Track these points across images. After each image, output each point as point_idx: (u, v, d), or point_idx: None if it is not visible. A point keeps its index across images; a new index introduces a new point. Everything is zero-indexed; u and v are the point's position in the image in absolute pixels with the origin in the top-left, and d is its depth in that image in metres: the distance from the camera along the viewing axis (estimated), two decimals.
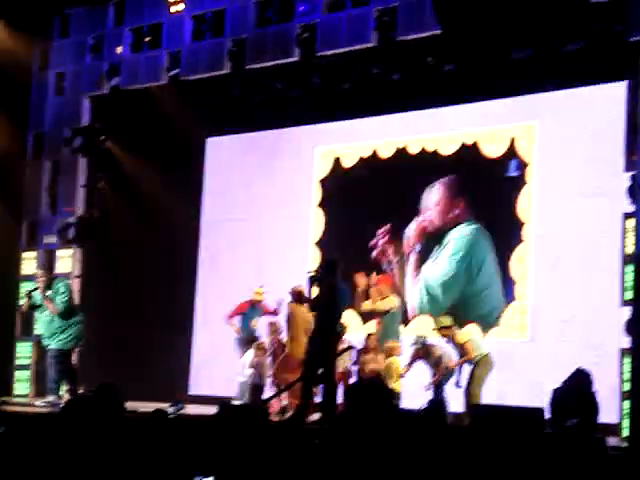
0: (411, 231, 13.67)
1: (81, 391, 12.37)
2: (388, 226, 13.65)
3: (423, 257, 13.58)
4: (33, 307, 12.90)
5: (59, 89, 16.42)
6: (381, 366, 11.69)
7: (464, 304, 13.07)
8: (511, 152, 13.12)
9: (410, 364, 11.73)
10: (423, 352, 11.65)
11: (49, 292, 12.56)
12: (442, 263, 13.44)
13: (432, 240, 13.60)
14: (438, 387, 11.52)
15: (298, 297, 12.11)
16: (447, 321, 11.79)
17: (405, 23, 12.85)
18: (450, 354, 11.60)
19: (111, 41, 15.78)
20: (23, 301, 13.15)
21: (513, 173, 13.10)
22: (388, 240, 13.13)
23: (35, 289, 12.76)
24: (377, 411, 5.80)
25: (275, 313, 13.14)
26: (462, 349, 11.41)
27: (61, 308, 12.48)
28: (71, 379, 12.68)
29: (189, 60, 14.82)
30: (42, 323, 12.82)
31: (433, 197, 13.66)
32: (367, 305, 12.30)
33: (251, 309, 13.24)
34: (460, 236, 13.39)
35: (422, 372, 11.75)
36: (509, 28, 12.01)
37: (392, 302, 12.28)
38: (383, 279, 12.48)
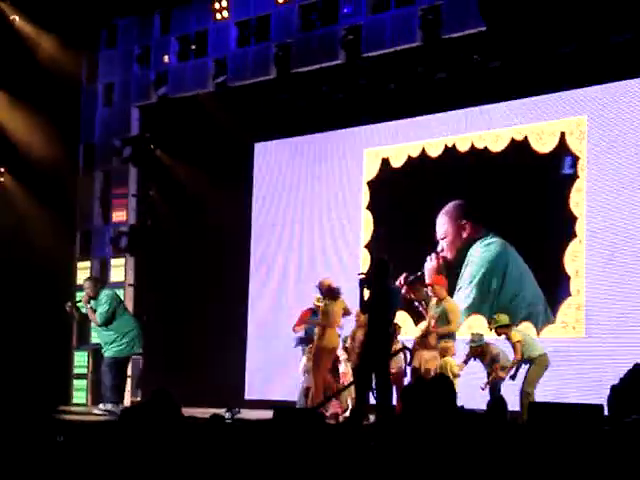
0: (428, 272, 13.62)
1: (139, 398, 12.43)
2: (403, 275, 13.43)
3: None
4: (80, 318, 12.91)
5: (108, 100, 16.60)
6: (436, 365, 11.64)
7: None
8: (561, 147, 12.99)
9: (466, 362, 11.66)
10: (480, 351, 11.58)
11: (92, 303, 12.43)
12: (466, 291, 13.40)
13: (451, 271, 13.52)
14: (494, 386, 11.44)
15: (328, 291, 12.27)
16: (505, 319, 11.69)
17: (450, 21, 12.80)
18: (506, 353, 11.51)
19: (158, 50, 15.93)
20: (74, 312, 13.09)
21: (568, 171, 12.97)
22: (407, 290, 13.07)
23: (78, 301, 12.76)
24: (440, 410, 5.78)
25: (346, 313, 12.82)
26: (514, 348, 11.33)
27: (100, 319, 12.29)
28: (121, 388, 12.71)
29: (235, 66, 14.90)
30: (97, 332, 12.88)
31: (440, 229, 13.70)
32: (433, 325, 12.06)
33: (313, 315, 13.13)
34: (474, 257, 13.40)
35: (475, 371, 11.67)
36: (554, 22, 11.91)
37: (458, 309, 12.12)
38: (437, 280, 12.30)
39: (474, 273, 13.49)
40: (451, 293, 12.92)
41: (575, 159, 12.90)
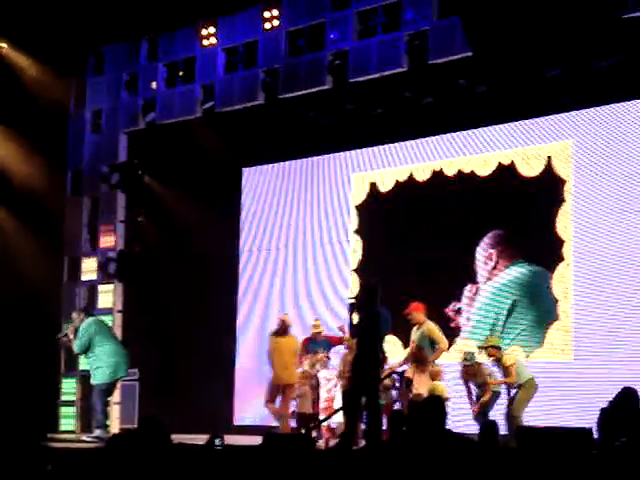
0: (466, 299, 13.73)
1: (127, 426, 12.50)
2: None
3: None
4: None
5: (96, 126, 16.61)
6: (426, 389, 11.62)
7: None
8: (548, 171, 13.06)
9: (465, 384, 11.61)
10: (472, 370, 11.56)
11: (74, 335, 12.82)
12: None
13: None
14: (485, 410, 11.42)
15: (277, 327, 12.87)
16: (497, 341, 11.70)
17: (436, 46, 12.88)
18: (496, 375, 11.53)
19: (145, 77, 15.96)
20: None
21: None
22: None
23: (65, 334, 13.04)
24: (431, 433, 5.77)
25: (342, 341, 12.91)
26: (507, 372, 11.34)
27: (76, 348, 12.73)
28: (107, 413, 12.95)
29: (223, 92, 14.95)
30: (84, 359, 13.03)
31: (478, 261, 13.73)
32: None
33: (312, 343, 13.09)
34: (490, 291, 13.48)
35: (465, 394, 11.67)
36: (540, 47, 11.99)
37: (428, 332, 12.11)
38: (415, 307, 12.25)
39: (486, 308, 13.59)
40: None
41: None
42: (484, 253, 13.62)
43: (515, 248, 13.31)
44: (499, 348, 11.55)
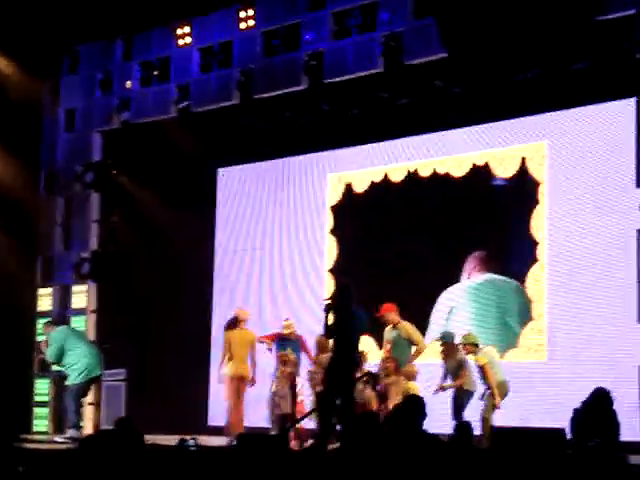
0: None
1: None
2: None
3: None
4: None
5: (70, 125, 16.53)
6: (404, 388, 11.62)
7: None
8: (522, 172, 13.11)
9: (442, 388, 11.60)
10: (448, 350, 11.56)
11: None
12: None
13: None
14: (459, 410, 11.41)
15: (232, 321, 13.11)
16: (475, 338, 11.69)
17: (411, 47, 12.91)
18: (471, 366, 11.49)
19: (120, 76, 15.90)
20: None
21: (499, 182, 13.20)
22: None
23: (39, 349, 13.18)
24: (407, 434, 5.78)
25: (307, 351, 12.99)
26: (481, 371, 11.36)
27: (49, 358, 12.88)
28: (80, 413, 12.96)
29: (198, 92, 14.91)
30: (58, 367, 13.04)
31: None
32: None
33: (282, 340, 13.08)
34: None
35: (440, 395, 11.68)
36: (515, 49, 12.04)
37: (403, 332, 12.13)
38: (387, 307, 12.26)
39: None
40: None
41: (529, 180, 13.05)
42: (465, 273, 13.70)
43: (489, 262, 13.35)
44: (476, 345, 11.54)
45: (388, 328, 12.08)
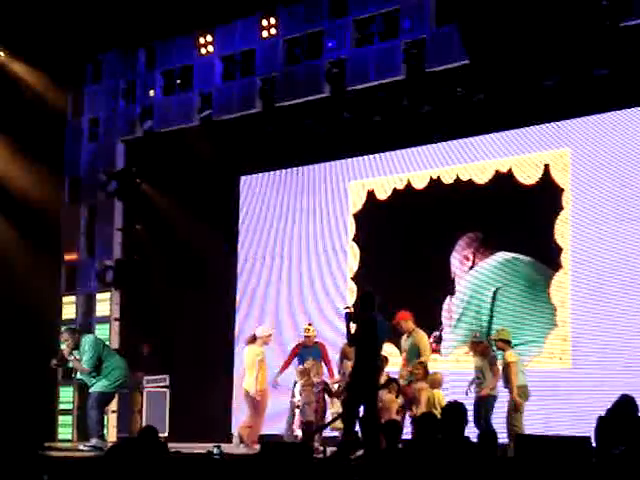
0: (445, 315, 13.77)
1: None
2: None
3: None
4: (68, 370, 13.02)
5: (93, 134, 16.60)
6: (430, 393, 11.58)
7: None
8: (546, 179, 13.07)
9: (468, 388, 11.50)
10: (481, 348, 11.46)
11: (76, 352, 12.47)
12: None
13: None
14: (486, 416, 11.29)
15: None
16: (508, 335, 11.59)
17: (433, 54, 12.88)
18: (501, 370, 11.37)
19: (143, 85, 15.95)
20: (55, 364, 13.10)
21: None
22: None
23: (59, 362, 12.78)
24: (446, 443, 5.76)
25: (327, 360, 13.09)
26: (507, 369, 11.20)
27: (88, 365, 12.39)
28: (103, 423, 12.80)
29: (220, 100, 14.94)
30: (83, 375, 12.76)
31: (452, 268, 13.76)
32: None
33: (303, 349, 13.11)
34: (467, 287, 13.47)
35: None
36: (537, 55, 12.01)
37: (426, 340, 12.13)
38: (402, 315, 12.25)
39: (465, 305, 13.52)
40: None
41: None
42: (459, 256, 13.64)
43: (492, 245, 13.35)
44: (509, 342, 11.42)
45: (404, 336, 12.06)
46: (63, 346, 12.57)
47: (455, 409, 6.67)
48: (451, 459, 5.65)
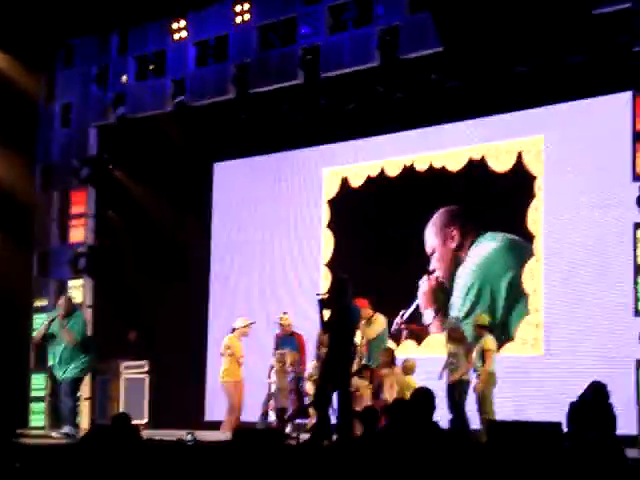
0: (424, 295, 13.67)
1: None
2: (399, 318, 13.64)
3: (445, 313, 13.50)
4: (47, 337, 12.72)
5: (65, 120, 16.48)
6: (397, 382, 11.61)
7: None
8: (518, 166, 13.11)
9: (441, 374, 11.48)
10: (457, 334, 11.42)
11: (67, 322, 12.40)
12: (465, 309, 13.38)
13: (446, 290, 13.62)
14: (460, 402, 11.28)
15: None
16: (486, 320, 11.59)
17: (407, 42, 12.88)
18: (475, 353, 11.35)
19: (116, 70, 15.85)
20: (39, 329, 12.93)
21: None
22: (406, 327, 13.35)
23: (54, 318, 12.63)
24: (419, 427, 5.77)
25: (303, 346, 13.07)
26: (484, 355, 11.20)
27: (78, 338, 12.31)
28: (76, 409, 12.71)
29: (194, 86, 14.87)
30: (55, 353, 12.70)
31: (428, 244, 13.70)
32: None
33: (282, 340, 13.09)
34: (465, 273, 13.43)
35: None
36: (511, 42, 12.03)
37: (379, 325, 12.13)
38: (359, 302, 12.20)
39: (466, 290, 13.48)
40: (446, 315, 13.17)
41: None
42: (441, 233, 13.61)
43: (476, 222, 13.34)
44: (487, 328, 11.41)
45: (363, 322, 11.98)
46: (57, 312, 12.50)
47: (423, 394, 6.68)
48: (420, 445, 5.66)
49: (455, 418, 10.91)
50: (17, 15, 14.66)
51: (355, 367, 11.47)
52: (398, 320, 13.65)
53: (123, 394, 14.43)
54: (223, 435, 12.58)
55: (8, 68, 15.63)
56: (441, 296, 13.60)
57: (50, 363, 12.74)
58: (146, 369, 14.60)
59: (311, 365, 12.59)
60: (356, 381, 11.54)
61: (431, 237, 13.73)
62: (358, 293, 11.59)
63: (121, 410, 13.76)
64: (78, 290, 15.99)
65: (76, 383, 12.50)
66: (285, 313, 13.28)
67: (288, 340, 12.94)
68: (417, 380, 11.52)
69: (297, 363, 12.67)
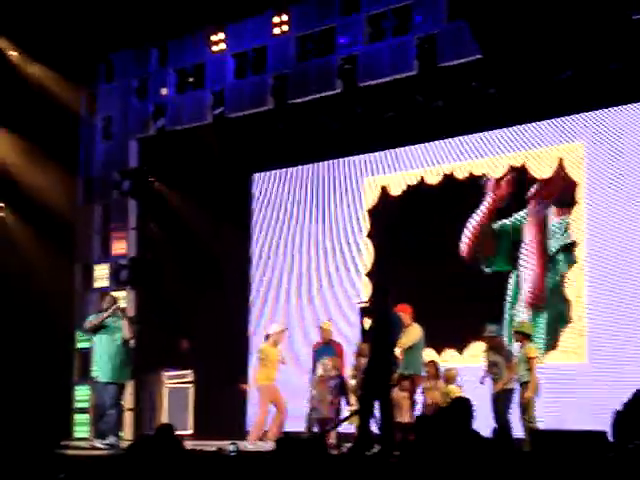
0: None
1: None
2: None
3: None
4: (99, 327, 12.86)
5: (107, 133, 16.63)
6: (440, 392, 11.56)
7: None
8: (560, 173, 13.02)
9: (482, 380, 11.38)
10: (496, 343, 11.34)
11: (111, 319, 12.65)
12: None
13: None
14: (504, 411, 11.20)
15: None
16: (530, 329, 11.50)
17: (446, 49, 12.86)
18: (518, 361, 11.26)
19: (155, 83, 15.98)
20: (94, 319, 12.89)
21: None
22: None
23: (116, 307, 12.83)
24: (452, 438, 5.75)
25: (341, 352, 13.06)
26: (529, 363, 11.10)
27: (129, 335, 12.60)
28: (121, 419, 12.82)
29: (233, 98, 14.94)
30: (99, 359, 12.82)
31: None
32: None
33: (323, 347, 13.08)
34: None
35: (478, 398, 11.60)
36: (551, 48, 11.97)
37: (415, 334, 12.04)
38: (402, 308, 12.19)
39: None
40: None
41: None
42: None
43: None
44: (529, 337, 11.31)
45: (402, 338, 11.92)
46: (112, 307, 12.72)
47: (460, 404, 6.64)
48: (460, 455, 5.63)
49: (499, 427, 10.83)
50: (59, 30, 14.82)
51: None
52: None
53: (167, 404, 14.50)
54: (266, 445, 12.60)
55: (50, 82, 15.81)
56: None
57: (95, 374, 12.86)
58: (190, 379, 14.64)
59: (350, 374, 12.55)
60: (395, 392, 11.49)
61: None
62: (413, 302, 11.58)
63: (165, 420, 13.86)
64: (121, 302, 16.10)
65: (118, 391, 12.58)
66: (328, 321, 13.29)
67: (326, 349, 12.92)
68: (461, 389, 11.48)
69: (337, 368, 12.63)
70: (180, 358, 15.45)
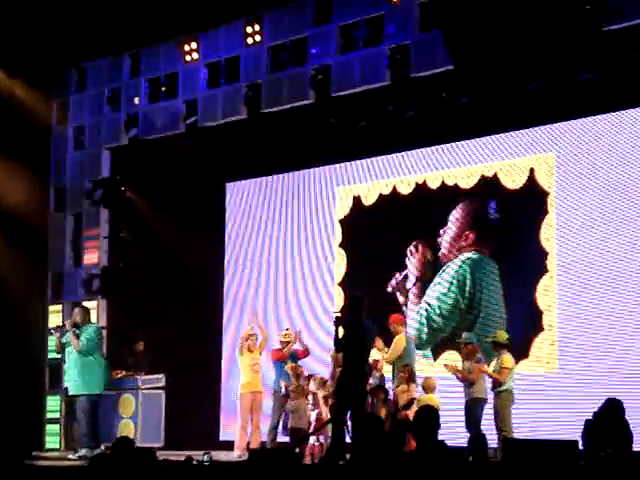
0: (413, 264, 13.91)
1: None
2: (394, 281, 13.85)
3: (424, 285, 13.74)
4: (64, 346, 12.93)
5: (78, 142, 16.58)
6: (414, 394, 11.54)
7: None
8: (531, 183, 13.10)
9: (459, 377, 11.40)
10: (469, 350, 11.40)
11: (76, 330, 12.73)
12: (439, 291, 13.51)
13: (431, 270, 13.75)
14: (477, 420, 11.23)
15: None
16: (504, 338, 11.52)
17: (418, 60, 12.92)
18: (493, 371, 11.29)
19: (128, 92, 15.94)
20: (54, 338, 13.24)
21: (493, 215, 13.19)
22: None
23: (63, 325, 12.97)
24: (423, 446, 5.75)
25: (306, 353, 13.10)
26: (501, 373, 11.14)
27: (82, 346, 12.60)
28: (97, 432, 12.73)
29: (205, 107, 14.94)
30: (73, 363, 12.80)
31: (450, 221, 13.71)
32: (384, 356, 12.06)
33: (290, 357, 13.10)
34: (458, 265, 13.44)
35: (453, 407, 11.63)
36: (522, 59, 12.04)
37: (399, 346, 12.04)
38: (394, 318, 12.20)
39: (452, 277, 13.53)
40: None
41: (498, 202, 13.17)
42: (456, 230, 13.60)
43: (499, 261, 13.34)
44: (503, 346, 11.28)
45: (383, 347, 11.93)
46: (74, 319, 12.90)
47: (425, 413, 6.63)
48: (425, 465, 5.64)
49: (472, 437, 10.85)
50: (29, 39, 14.76)
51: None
52: (393, 282, 13.89)
53: (141, 412, 14.35)
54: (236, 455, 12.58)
55: (21, 92, 15.74)
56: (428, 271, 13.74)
57: (67, 384, 12.82)
58: (162, 384, 14.52)
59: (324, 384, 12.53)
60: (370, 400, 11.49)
61: (453, 221, 13.66)
62: (386, 311, 11.62)
63: (139, 430, 13.81)
64: (92, 311, 16.02)
65: (91, 403, 12.53)
66: (288, 329, 13.31)
67: (289, 354, 12.98)
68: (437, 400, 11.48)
69: (299, 375, 12.61)
70: (149, 362, 15.36)
